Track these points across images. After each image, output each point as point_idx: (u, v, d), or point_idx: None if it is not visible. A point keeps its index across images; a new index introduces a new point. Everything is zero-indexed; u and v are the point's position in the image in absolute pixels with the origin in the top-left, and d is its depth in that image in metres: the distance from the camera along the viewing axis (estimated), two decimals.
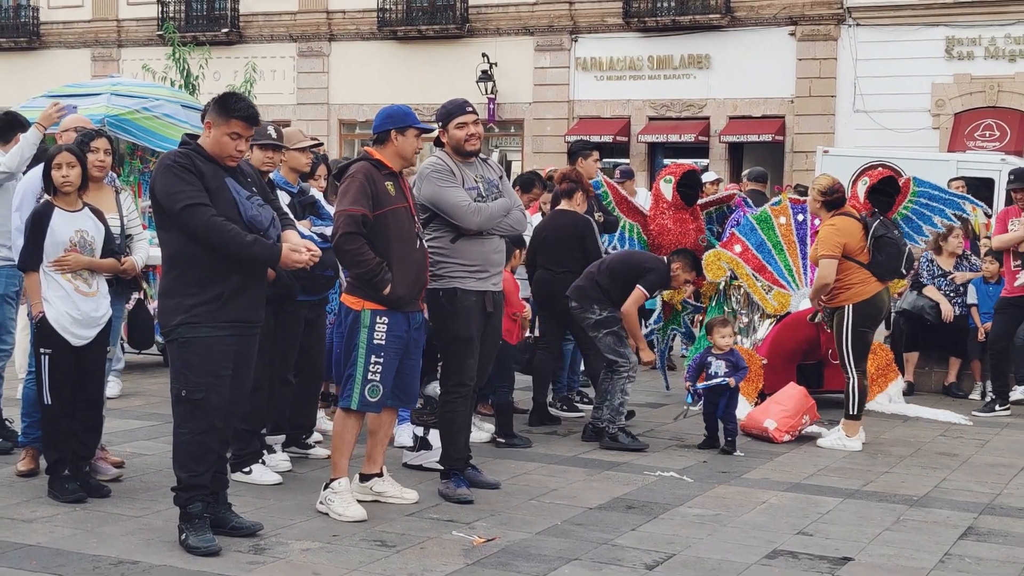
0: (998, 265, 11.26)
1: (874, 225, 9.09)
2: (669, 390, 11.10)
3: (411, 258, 6.64)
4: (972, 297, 11.63)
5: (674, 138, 29.53)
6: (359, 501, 6.67)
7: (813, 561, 6.03)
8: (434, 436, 7.67)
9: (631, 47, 30.16)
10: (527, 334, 9.76)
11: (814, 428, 9.30)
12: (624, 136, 30.06)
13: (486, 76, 30.89)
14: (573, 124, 30.50)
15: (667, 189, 10.62)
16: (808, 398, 9.34)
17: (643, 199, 12.52)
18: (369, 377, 6.58)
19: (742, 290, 10.71)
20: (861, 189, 10.29)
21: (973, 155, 23.44)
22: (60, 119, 8.02)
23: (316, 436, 8.32)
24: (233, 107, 5.95)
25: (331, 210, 7.86)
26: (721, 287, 10.69)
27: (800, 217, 10.64)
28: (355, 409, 6.65)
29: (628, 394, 8.84)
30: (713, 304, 10.74)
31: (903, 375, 11.28)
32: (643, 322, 10.23)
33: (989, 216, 12.65)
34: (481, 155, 7.31)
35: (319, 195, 8.32)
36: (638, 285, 8.78)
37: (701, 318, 10.96)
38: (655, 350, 10.51)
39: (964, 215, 11.24)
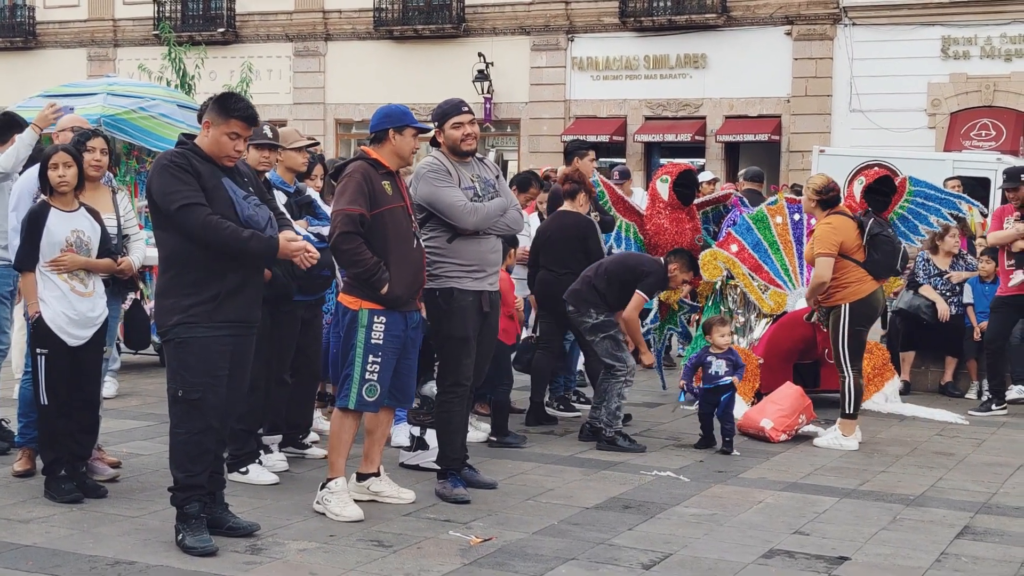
0: (994, 264, 11.27)
1: (869, 223, 9.11)
2: (666, 389, 11.11)
3: (408, 257, 6.64)
4: (968, 296, 11.63)
5: (670, 138, 29.54)
6: (356, 501, 6.67)
7: (810, 560, 6.03)
8: (431, 436, 7.67)
9: (627, 47, 30.16)
10: (530, 333, 9.77)
11: (810, 427, 9.31)
12: (620, 136, 30.06)
13: (482, 76, 30.89)
14: (569, 124, 30.50)
15: (663, 189, 10.63)
16: (804, 397, 9.35)
17: (639, 199, 12.53)
18: (367, 377, 6.58)
19: (738, 290, 10.72)
20: (857, 188, 10.31)
21: (969, 154, 23.47)
22: (56, 120, 8.02)
23: (313, 436, 8.32)
24: (233, 107, 5.95)
25: (327, 210, 7.86)
26: (717, 287, 10.71)
27: (796, 216, 10.65)
28: (352, 409, 6.65)
29: (625, 398, 8.84)
30: (709, 304, 10.76)
31: (899, 374, 11.28)
32: (640, 322, 10.22)
33: (985, 216, 12.66)
34: (478, 155, 7.32)
35: (315, 195, 8.31)
36: (637, 290, 8.78)
37: (698, 317, 10.98)
38: (652, 350, 10.51)
39: (960, 214, 11.25)
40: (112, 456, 7.59)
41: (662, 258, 9.21)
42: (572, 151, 10.51)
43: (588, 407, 9.31)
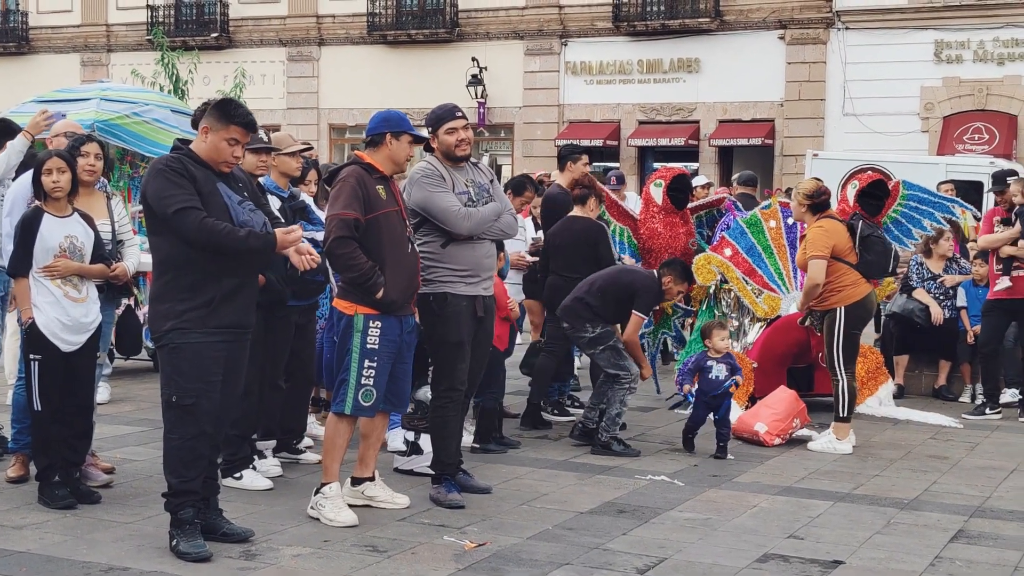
0: (987, 268, 11.28)
1: (859, 225, 9.13)
2: (660, 394, 11.10)
3: (403, 262, 6.64)
4: (961, 300, 11.64)
5: (664, 142, 29.55)
6: (350, 506, 6.67)
7: (804, 565, 6.03)
8: (425, 441, 7.66)
9: (621, 51, 30.19)
10: (521, 339, 9.77)
11: (804, 431, 9.32)
12: (614, 140, 30.08)
13: (476, 80, 30.91)
14: (563, 128, 30.51)
15: (657, 193, 10.62)
16: (798, 401, 9.36)
17: (633, 203, 12.53)
18: (363, 382, 6.58)
19: (732, 294, 10.72)
20: (851, 192, 10.32)
21: (962, 158, 23.54)
22: (48, 127, 8.01)
23: (307, 441, 8.31)
24: (233, 113, 5.96)
25: (321, 215, 7.86)
26: (711, 291, 10.71)
27: (790, 221, 10.65)
28: (349, 414, 6.64)
29: (627, 405, 8.84)
30: (704, 308, 10.76)
31: (893, 378, 11.29)
32: None
33: (978, 219, 12.68)
34: (472, 159, 7.31)
35: (309, 200, 8.31)
36: (634, 311, 8.76)
37: (692, 321, 10.98)
38: (646, 353, 10.50)
39: (953, 218, 11.27)
40: (106, 462, 7.57)
41: (655, 271, 9.16)
42: (565, 155, 10.51)
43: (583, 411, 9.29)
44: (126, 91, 13.20)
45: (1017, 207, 10.58)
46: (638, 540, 6.40)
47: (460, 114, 7.18)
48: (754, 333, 10.72)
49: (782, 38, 28.76)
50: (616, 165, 27.73)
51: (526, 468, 8.13)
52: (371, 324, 6.56)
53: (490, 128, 31.72)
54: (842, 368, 8.99)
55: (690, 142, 29.29)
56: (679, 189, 10.72)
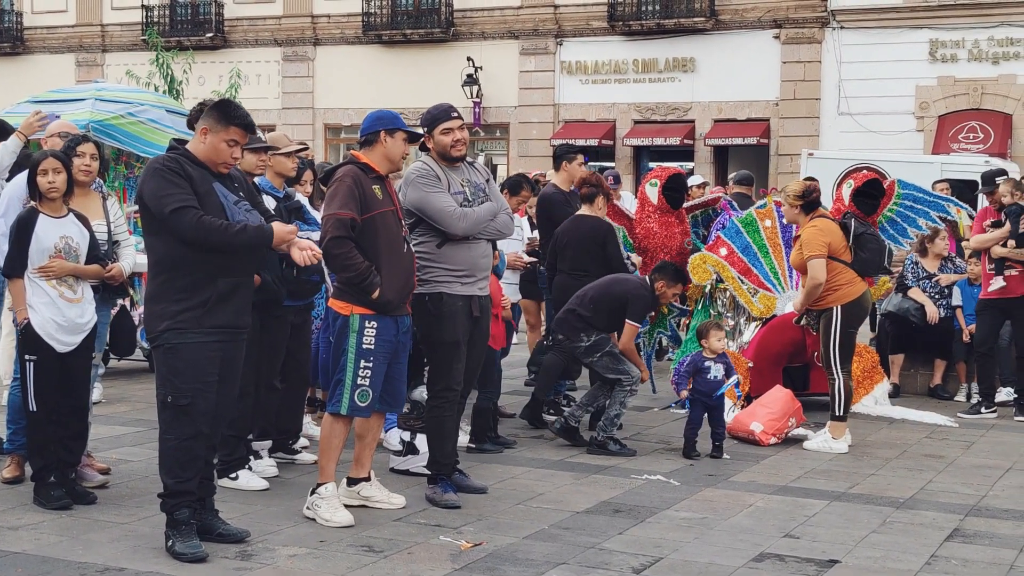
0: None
1: (852, 224, 9.15)
2: (655, 393, 11.10)
3: (399, 262, 6.63)
4: (957, 299, 11.66)
5: (659, 141, 29.58)
6: (346, 506, 6.66)
7: (800, 564, 6.04)
8: (421, 441, 7.66)
9: (616, 51, 30.20)
10: (531, 337, 9.76)
11: (800, 431, 9.32)
12: (609, 140, 30.10)
13: (471, 80, 30.91)
14: (558, 128, 30.52)
15: (653, 193, 10.62)
16: (794, 401, 9.36)
17: (628, 203, 12.53)
18: (358, 382, 6.57)
19: (728, 293, 10.73)
20: (846, 192, 10.32)
21: (957, 157, 23.55)
22: (42, 128, 8.00)
23: (303, 441, 8.31)
24: (233, 114, 5.97)
25: (316, 215, 7.85)
26: (707, 290, 10.71)
27: (785, 220, 10.65)
28: (344, 414, 6.63)
29: (627, 406, 8.84)
30: (699, 307, 10.76)
31: (888, 377, 11.30)
32: None
33: (973, 218, 12.69)
34: (468, 159, 7.31)
35: (304, 200, 8.30)
36: (627, 320, 8.75)
37: (687, 321, 10.98)
38: (642, 354, 10.51)
39: (949, 217, 11.28)
40: (101, 462, 7.57)
41: (646, 278, 9.14)
42: (561, 155, 10.51)
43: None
44: (121, 91, 13.19)
45: (1006, 207, 10.59)
46: (634, 539, 6.40)
47: (456, 114, 7.17)
48: (750, 332, 10.73)
49: (777, 37, 28.79)
50: (611, 165, 27.75)
51: (522, 468, 8.13)
52: (367, 324, 6.55)
53: (485, 128, 31.73)
54: (838, 367, 9.00)
55: (685, 141, 29.31)
56: (675, 188, 10.72)
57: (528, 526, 6.61)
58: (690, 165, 27.99)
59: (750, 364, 10.26)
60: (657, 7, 29.61)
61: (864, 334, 10.62)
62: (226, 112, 5.97)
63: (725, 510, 7.10)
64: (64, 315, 6.72)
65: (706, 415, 8.75)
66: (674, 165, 13.96)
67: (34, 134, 8.05)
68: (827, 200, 12.75)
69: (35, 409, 6.70)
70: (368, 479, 6.95)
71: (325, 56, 33.16)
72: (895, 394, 11.34)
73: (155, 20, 33.59)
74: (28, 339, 6.69)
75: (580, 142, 27.04)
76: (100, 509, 6.74)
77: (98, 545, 6.05)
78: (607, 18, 29.96)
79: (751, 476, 8.08)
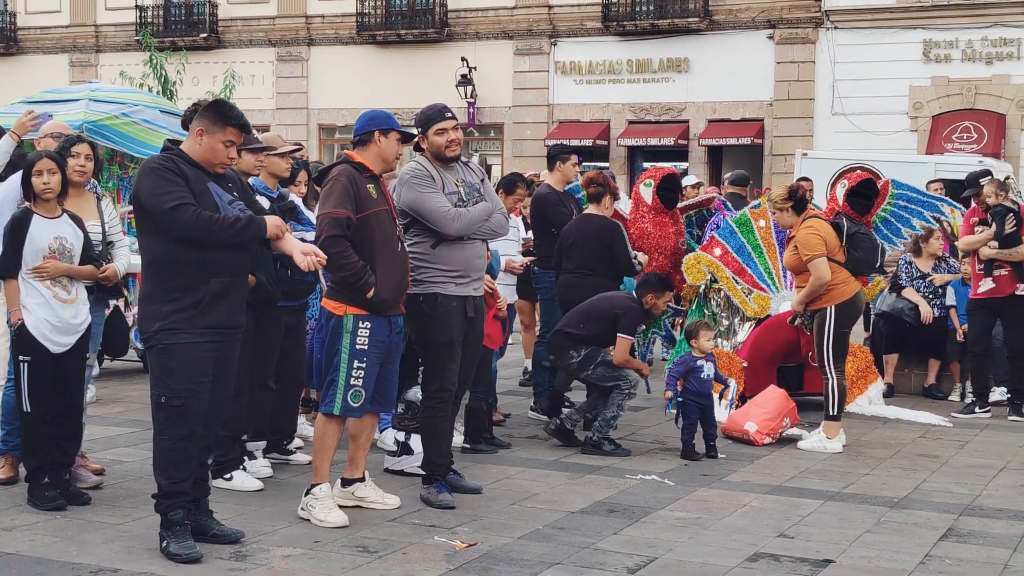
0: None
1: (845, 223, 9.17)
2: (650, 393, 11.06)
3: (394, 261, 6.63)
4: (951, 299, 11.67)
5: (653, 142, 29.60)
6: (341, 507, 6.66)
7: (794, 564, 6.04)
8: (416, 441, 7.66)
9: (610, 51, 30.22)
10: (526, 337, 9.73)
11: (795, 430, 9.32)
12: (604, 140, 30.11)
13: (465, 80, 30.91)
14: (553, 128, 30.53)
15: (647, 193, 10.63)
16: (788, 400, 9.37)
17: (623, 203, 12.52)
18: (352, 382, 6.57)
19: (722, 293, 10.73)
20: (840, 191, 10.33)
21: (951, 157, 23.59)
22: (35, 128, 7.99)
23: (297, 442, 8.30)
24: (229, 115, 5.97)
25: (311, 216, 7.85)
26: (701, 290, 10.71)
27: (780, 226, 10.67)
28: (337, 415, 6.63)
29: (625, 409, 8.82)
30: (693, 307, 10.76)
31: (883, 377, 11.31)
32: None
33: None
34: (462, 159, 7.30)
35: (298, 201, 8.29)
36: (620, 335, 8.72)
37: (681, 321, 10.98)
38: (636, 354, 10.49)
39: (943, 217, 11.29)
40: (95, 463, 7.55)
41: (633, 292, 9.09)
42: (555, 155, 10.50)
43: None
44: (115, 92, 13.18)
45: (991, 207, 10.58)
46: (629, 539, 6.40)
47: (450, 114, 7.17)
48: (744, 332, 10.73)
49: (771, 38, 28.81)
50: (606, 165, 27.73)
51: (516, 468, 8.13)
52: (360, 325, 6.55)
53: (480, 128, 31.73)
54: (832, 367, 9.00)
55: (679, 142, 29.33)
56: (669, 189, 10.73)
57: (523, 526, 6.61)
58: (684, 165, 28.02)
59: (744, 364, 10.26)
60: (651, 7, 29.64)
61: (858, 334, 10.63)
62: (222, 113, 5.97)
63: (719, 510, 7.10)
64: (58, 316, 6.71)
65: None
66: (668, 165, 13.97)
67: (27, 134, 8.03)
68: (820, 200, 12.79)
69: (29, 410, 6.69)
70: (362, 479, 6.95)
71: (319, 56, 33.15)
72: (889, 394, 11.35)
73: (149, 20, 33.57)
74: (22, 340, 6.68)
75: (574, 142, 27.02)
76: (94, 510, 6.73)
77: (92, 546, 6.04)
78: (601, 18, 29.98)
79: (745, 476, 8.08)
